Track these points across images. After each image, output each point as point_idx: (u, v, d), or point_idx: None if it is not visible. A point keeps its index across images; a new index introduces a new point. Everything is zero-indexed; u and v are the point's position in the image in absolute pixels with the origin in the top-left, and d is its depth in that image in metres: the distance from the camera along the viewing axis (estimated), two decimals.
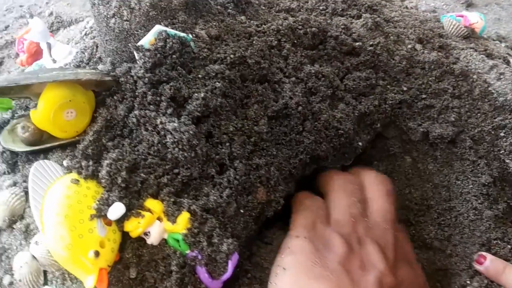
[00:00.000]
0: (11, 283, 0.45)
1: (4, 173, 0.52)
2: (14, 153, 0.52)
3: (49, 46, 0.59)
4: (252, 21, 0.62)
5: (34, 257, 0.44)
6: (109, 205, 0.43)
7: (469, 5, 1.05)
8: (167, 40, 0.50)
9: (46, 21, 1.12)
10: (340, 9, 0.71)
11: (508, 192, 0.58)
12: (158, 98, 0.48)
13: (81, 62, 0.59)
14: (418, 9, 0.90)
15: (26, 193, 0.49)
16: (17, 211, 0.48)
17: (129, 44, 0.52)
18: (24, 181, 0.50)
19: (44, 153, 0.51)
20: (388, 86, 0.63)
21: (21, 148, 0.51)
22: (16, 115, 0.55)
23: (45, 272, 0.44)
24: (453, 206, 0.60)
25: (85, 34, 0.66)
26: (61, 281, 0.43)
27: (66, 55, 0.59)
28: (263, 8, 0.68)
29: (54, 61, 0.59)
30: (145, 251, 0.45)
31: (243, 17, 0.62)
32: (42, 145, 0.50)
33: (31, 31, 0.57)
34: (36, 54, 0.68)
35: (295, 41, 0.61)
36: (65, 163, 0.47)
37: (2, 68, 1.01)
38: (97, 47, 0.60)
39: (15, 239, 0.47)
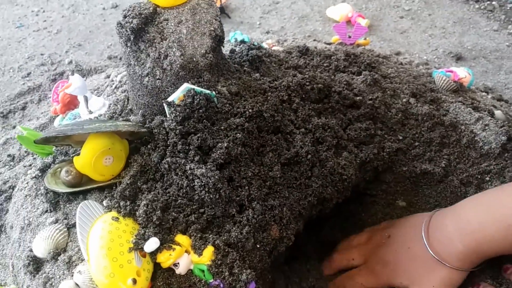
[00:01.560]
0: None
1: (47, 211, 0.58)
2: (56, 194, 0.59)
3: (86, 99, 0.66)
4: (265, 78, 0.70)
5: (77, 284, 0.50)
6: (145, 240, 0.49)
7: (458, 58, 1.14)
8: (195, 96, 0.57)
9: (66, 69, 1.21)
10: (342, 66, 0.79)
11: None
12: (187, 147, 0.55)
13: (114, 114, 0.66)
14: (411, 64, 0.98)
15: (68, 228, 0.55)
16: (61, 245, 0.54)
17: (161, 100, 0.60)
18: (65, 219, 0.57)
19: (83, 194, 0.58)
20: (386, 136, 0.71)
21: (63, 189, 0.58)
22: (57, 160, 0.63)
23: None
24: None
25: (116, 88, 0.74)
26: None
27: (101, 106, 0.67)
28: (274, 65, 0.77)
29: (90, 112, 0.67)
30: (173, 280, 0.51)
31: (257, 74, 0.70)
32: (82, 187, 0.57)
33: (71, 86, 0.64)
34: (69, 104, 0.76)
35: (303, 96, 0.69)
36: (105, 203, 0.54)
37: (25, 113, 1.09)
38: (128, 100, 0.68)
39: (58, 269, 0.53)
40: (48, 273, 0.53)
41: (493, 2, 1.31)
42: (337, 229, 0.78)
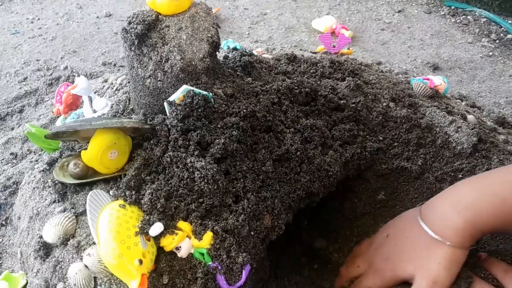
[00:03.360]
0: None
1: (55, 202, 0.63)
2: (64, 185, 0.63)
3: (91, 99, 0.71)
4: (257, 82, 0.75)
5: (86, 266, 0.54)
6: (150, 225, 0.54)
7: (435, 68, 1.22)
8: (194, 97, 0.63)
9: (62, 74, 1.25)
10: (328, 73, 0.86)
11: None
12: (187, 143, 0.61)
13: (117, 113, 0.71)
14: (391, 72, 1.05)
15: (76, 216, 0.60)
16: (70, 231, 0.58)
17: (162, 100, 0.65)
18: (73, 208, 0.61)
19: (90, 185, 0.62)
20: (368, 136, 0.77)
21: (71, 181, 0.62)
22: (63, 155, 0.67)
23: (95, 278, 0.54)
24: None
25: (117, 90, 0.79)
26: (108, 285, 0.54)
27: (104, 106, 0.72)
28: (264, 71, 0.82)
29: (94, 111, 0.71)
30: (175, 262, 0.56)
31: (249, 79, 0.76)
32: (89, 179, 0.62)
33: (77, 86, 0.69)
34: (71, 105, 0.80)
35: (292, 99, 0.75)
36: (111, 192, 0.59)
37: (22, 115, 1.12)
38: (129, 100, 0.73)
39: (67, 253, 0.57)
40: (58, 257, 0.57)
41: (468, 17, 1.39)
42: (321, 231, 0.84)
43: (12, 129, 1.05)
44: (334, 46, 1.01)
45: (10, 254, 0.69)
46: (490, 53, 1.26)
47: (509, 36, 1.31)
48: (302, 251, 0.82)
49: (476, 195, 0.58)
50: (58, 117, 0.84)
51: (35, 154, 0.82)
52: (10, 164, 0.84)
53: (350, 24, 1.41)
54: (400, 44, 1.32)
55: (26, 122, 1.06)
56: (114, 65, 1.29)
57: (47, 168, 0.67)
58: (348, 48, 1.06)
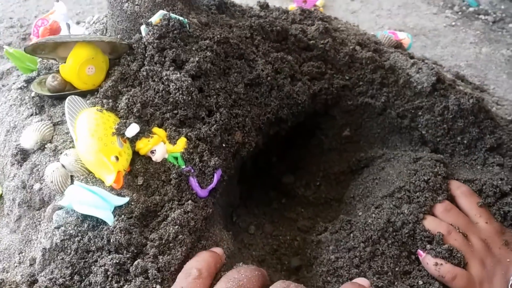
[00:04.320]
0: (40, 189, 0.57)
1: (32, 115, 0.64)
2: (41, 99, 0.65)
3: (69, 26, 0.73)
4: (230, 19, 0.79)
5: (63, 165, 0.56)
6: (126, 126, 0.57)
7: None
8: (170, 20, 0.66)
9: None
10: (298, 19, 0.90)
11: (425, 150, 0.76)
12: (163, 59, 0.63)
13: None
14: (358, 27, 1.10)
15: (54, 125, 0.62)
16: (47, 137, 0.60)
17: (138, 24, 0.68)
18: (49, 119, 0.63)
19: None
20: (335, 75, 0.81)
21: (48, 94, 0.64)
22: (40, 74, 0.69)
23: (71, 176, 0.57)
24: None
25: (94, 23, 0.81)
26: (84, 183, 0.56)
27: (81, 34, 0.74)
28: (238, 13, 0.86)
29: None
30: (150, 166, 0.58)
31: (223, 15, 0.79)
32: (66, 92, 0.64)
33: (55, 12, 0.71)
34: None
35: (264, 36, 0.78)
36: (89, 101, 0.61)
37: None
38: (106, 30, 0.75)
39: (45, 157, 0.59)
40: (35, 161, 0.59)
41: None
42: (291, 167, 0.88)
43: None
44: (305, 2, 1.06)
45: None
46: (453, 23, 1.33)
47: (471, 9, 1.38)
48: (271, 186, 0.86)
49: None
50: None
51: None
52: None
53: None
54: (369, 13, 1.37)
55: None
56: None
57: (25, 85, 0.68)
58: (319, 8, 1.10)
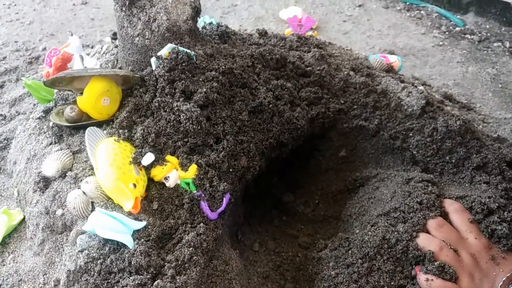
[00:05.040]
0: (62, 214, 0.62)
1: (51, 144, 0.69)
2: (60, 129, 0.70)
3: (82, 58, 0.78)
4: (232, 48, 0.84)
5: (84, 192, 0.61)
6: (142, 155, 0.62)
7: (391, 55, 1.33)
8: (179, 53, 0.71)
9: (41, 54, 1.30)
10: (295, 46, 0.95)
11: (416, 169, 0.81)
12: (173, 91, 0.69)
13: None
14: (352, 50, 1.16)
15: (73, 154, 0.66)
16: (67, 165, 0.65)
17: (149, 57, 0.73)
18: (68, 148, 0.68)
19: (84, 128, 0.69)
20: (331, 99, 0.86)
21: (66, 124, 0.69)
22: (58, 104, 0.74)
23: (92, 203, 0.61)
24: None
25: (104, 53, 0.86)
26: (104, 209, 0.60)
27: (94, 65, 0.79)
28: (239, 41, 0.91)
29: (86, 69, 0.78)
30: (164, 191, 0.63)
31: (226, 45, 0.84)
32: (83, 122, 0.69)
33: (70, 45, 0.76)
34: (60, 68, 0.86)
35: (264, 64, 0.84)
36: (106, 131, 0.66)
37: (3, 90, 1.16)
38: (117, 60, 0.80)
39: (66, 184, 0.63)
40: (57, 188, 0.64)
41: (422, 12, 1.53)
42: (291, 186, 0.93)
43: None
44: (300, 28, 1.11)
45: (5, 197, 0.75)
46: (441, 43, 1.39)
47: (457, 28, 1.45)
48: (272, 205, 0.91)
49: None
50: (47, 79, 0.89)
51: (24, 115, 0.87)
52: None
53: (314, 16, 1.52)
54: (360, 34, 1.44)
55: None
56: (92, 47, 1.34)
57: (43, 115, 0.73)
58: (314, 32, 1.16)
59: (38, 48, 1.34)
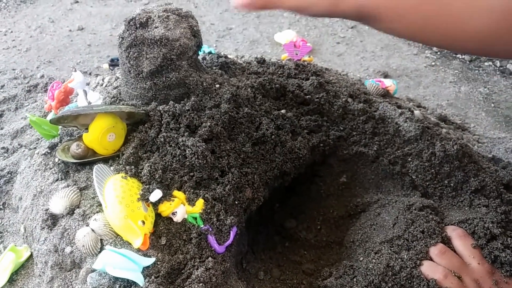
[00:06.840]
0: (71, 252, 0.63)
1: (57, 180, 0.70)
2: (66, 165, 0.70)
3: (85, 93, 0.79)
4: (233, 78, 0.86)
5: (93, 230, 0.62)
6: (150, 192, 0.63)
7: (385, 76, 1.36)
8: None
9: (39, 82, 1.31)
10: (293, 74, 0.97)
11: (416, 194, 0.83)
12: (178, 126, 0.70)
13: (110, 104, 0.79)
14: (348, 76, 1.18)
15: (80, 190, 0.67)
16: (75, 202, 0.66)
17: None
18: (75, 184, 0.68)
19: (90, 165, 0.70)
20: (330, 127, 0.88)
21: (73, 161, 0.70)
22: (63, 140, 0.74)
23: (101, 240, 0.62)
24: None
25: (106, 86, 0.87)
26: (113, 246, 0.61)
27: (97, 99, 0.80)
28: (238, 71, 0.93)
29: (89, 103, 0.79)
30: (172, 226, 0.64)
31: (226, 76, 0.86)
32: (89, 159, 0.70)
33: (74, 80, 0.77)
34: (62, 101, 0.87)
35: (264, 93, 0.85)
36: (112, 167, 0.67)
37: (3, 120, 1.17)
38: (119, 94, 0.82)
39: (74, 221, 0.64)
40: (65, 225, 0.65)
41: None
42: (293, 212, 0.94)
43: None
44: (297, 54, 1.13)
45: (11, 233, 0.75)
46: (433, 63, 1.42)
47: None
48: (275, 231, 0.92)
49: None
50: (49, 112, 0.90)
51: (26, 148, 0.88)
52: (1, 157, 0.90)
53: (308, 38, 1.55)
54: (354, 56, 1.46)
55: (8, 126, 1.11)
56: (90, 74, 1.36)
57: (48, 151, 0.74)
58: (309, 56, 1.18)
59: (36, 76, 1.35)
